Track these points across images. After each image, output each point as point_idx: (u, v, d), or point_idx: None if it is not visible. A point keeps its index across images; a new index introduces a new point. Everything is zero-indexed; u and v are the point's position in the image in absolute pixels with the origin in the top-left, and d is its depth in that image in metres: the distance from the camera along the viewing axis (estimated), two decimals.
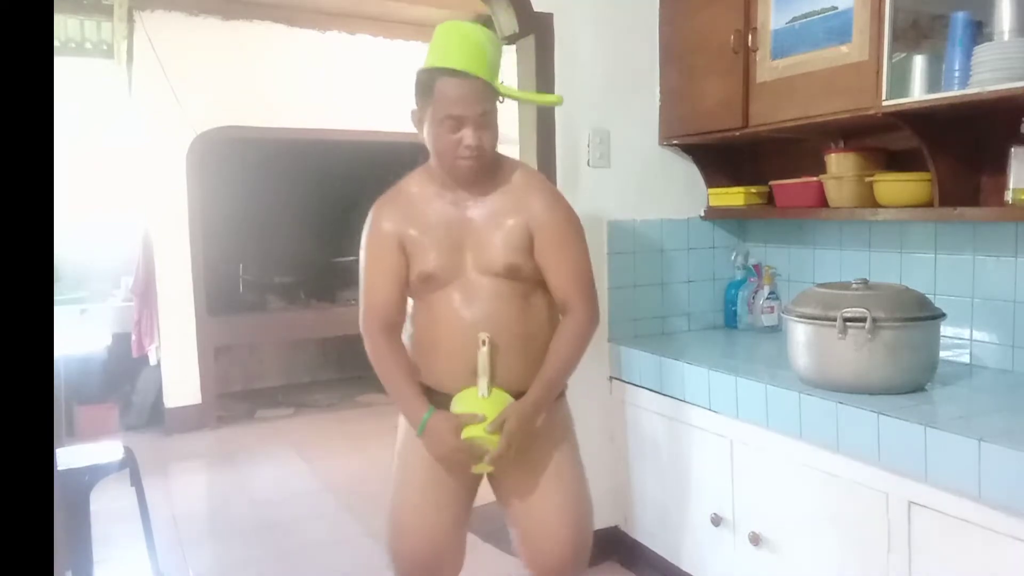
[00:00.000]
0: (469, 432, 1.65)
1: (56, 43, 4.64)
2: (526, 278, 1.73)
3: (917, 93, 1.91)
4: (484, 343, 1.67)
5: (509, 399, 1.69)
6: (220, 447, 4.55)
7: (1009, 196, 1.84)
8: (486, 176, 1.73)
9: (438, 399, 1.73)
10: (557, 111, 2.53)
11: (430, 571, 1.83)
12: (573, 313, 1.75)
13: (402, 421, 1.82)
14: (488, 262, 1.70)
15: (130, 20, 4.45)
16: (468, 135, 1.63)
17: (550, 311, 1.79)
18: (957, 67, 1.81)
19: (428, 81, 1.65)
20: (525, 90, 2.52)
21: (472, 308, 1.70)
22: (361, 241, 1.78)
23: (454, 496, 1.81)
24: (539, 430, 1.75)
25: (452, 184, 1.73)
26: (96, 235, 5.07)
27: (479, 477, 1.83)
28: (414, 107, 1.72)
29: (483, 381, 1.67)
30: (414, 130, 1.74)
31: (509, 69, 2.60)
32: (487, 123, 1.66)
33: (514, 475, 1.79)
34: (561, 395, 1.85)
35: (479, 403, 1.67)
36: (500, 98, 1.71)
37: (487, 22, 2.30)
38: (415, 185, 1.78)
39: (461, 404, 1.68)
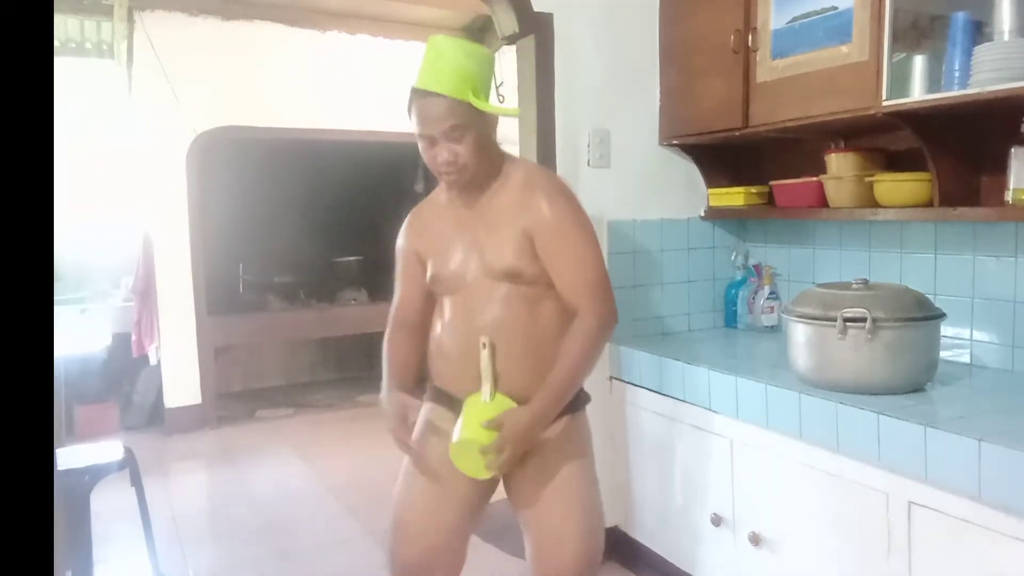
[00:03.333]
0: (467, 433, 1.61)
1: (56, 43, 4.64)
2: (531, 282, 1.68)
3: (917, 93, 1.91)
4: (484, 346, 1.65)
5: (512, 404, 1.65)
6: (220, 447, 4.54)
7: (1009, 196, 1.84)
8: (486, 182, 1.72)
9: (452, 403, 1.73)
10: (557, 111, 2.53)
11: (423, 572, 1.79)
12: (581, 317, 1.67)
13: (420, 417, 1.81)
14: (491, 266, 1.69)
15: (130, 20, 4.45)
16: (440, 152, 1.64)
17: (561, 317, 1.70)
18: (957, 67, 1.81)
19: (409, 102, 1.68)
20: (524, 91, 2.54)
21: (478, 312, 1.69)
22: None
23: (459, 498, 1.78)
24: (552, 442, 1.72)
25: (460, 191, 1.76)
26: (96, 235, 5.07)
27: (493, 483, 1.80)
28: None
29: (486, 386, 1.65)
30: (414, 130, 1.74)
31: (509, 69, 2.61)
32: (459, 137, 1.62)
33: (526, 484, 1.76)
34: (581, 409, 1.81)
35: (483, 407, 1.64)
36: (500, 98, 1.71)
37: (487, 23, 2.30)
38: (443, 192, 1.83)
39: (467, 408, 1.67)
